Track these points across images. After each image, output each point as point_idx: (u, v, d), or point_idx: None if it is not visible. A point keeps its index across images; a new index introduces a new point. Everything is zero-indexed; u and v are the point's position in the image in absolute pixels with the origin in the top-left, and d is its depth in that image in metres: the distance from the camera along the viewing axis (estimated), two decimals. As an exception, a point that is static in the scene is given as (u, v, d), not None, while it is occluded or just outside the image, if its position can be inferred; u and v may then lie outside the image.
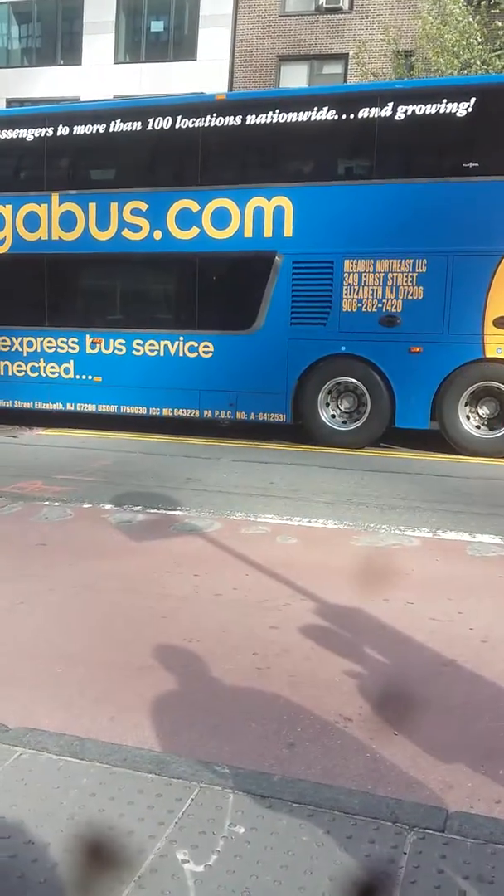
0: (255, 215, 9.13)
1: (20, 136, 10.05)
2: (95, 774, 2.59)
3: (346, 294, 8.95)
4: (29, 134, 9.99)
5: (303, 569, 4.86)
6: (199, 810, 2.41)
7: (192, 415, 9.81)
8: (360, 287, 8.89)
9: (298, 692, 3.31)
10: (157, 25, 24.10)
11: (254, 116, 9.08)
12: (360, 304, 8.92)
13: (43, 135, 9.92)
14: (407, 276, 8.71)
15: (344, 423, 9.37)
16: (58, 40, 25.49)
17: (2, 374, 10.45)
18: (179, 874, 2.15)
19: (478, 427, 8.93)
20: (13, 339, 10.34)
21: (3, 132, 10.16)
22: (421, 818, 2.37)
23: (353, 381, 9.20)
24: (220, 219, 9.23)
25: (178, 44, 23.77)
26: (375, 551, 5.35)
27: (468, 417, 8.91)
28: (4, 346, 10.39)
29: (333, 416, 9.40)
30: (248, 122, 9.11)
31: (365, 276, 8.85)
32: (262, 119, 9.04)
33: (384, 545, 5.47)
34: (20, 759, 2.68)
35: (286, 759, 2.82)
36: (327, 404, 9.38)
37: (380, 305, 8.86)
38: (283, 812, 2.40)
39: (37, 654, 3.68)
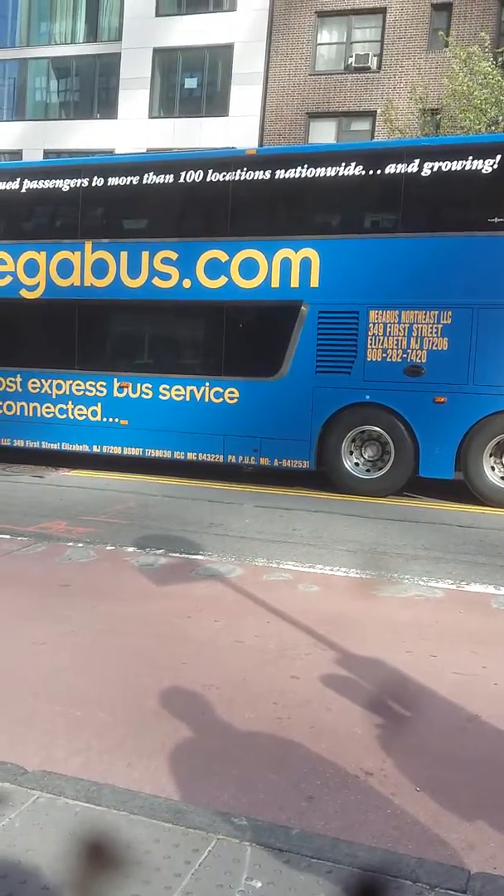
0: (283, 266, 9.29)
1: (56, 186, 10.37)
2: (112, 821, 2.57)
3: (370, 344, 9.03)
4: (65, 184, 10.30)
5: (325, 618, 4.83)
6: (216, 862, 2.38)
7: (216, 460, 9.86)
8: (385, 337, 8.96)
9: (319, 744, 3.27)
10: (190, 82, 24.95)
11: (283, 171, 9.30)
12: (384, 354, 8.99)
13: (78, 185, 10.22)
14: (432, 328, 8.78)
15: (367, 471, 9.37)
16: (94, 95, 26.45)
17: (31, 415, 10.62)
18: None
19: (503, 478, 8.88)
20: (43, 381, 10.53)
21: (41, 182, 10.49)
22: (442, 878, 2.32)
23: (377, 429, 9.22)
24: (248, 269, 9.41)
25: (210, 100, 24.55)
26: (398, 602, 5.30)
27: (493, 468, 8.86)
28: (34, 388, 10.57)
29: (357, 464, 9.40)
30: (277, 177, 9.33)
31: (390, 327, 8.94)
32: (291, 174, 9.25)
33: (407, 596, 5.42)
34: (37, 803, 2.67)
35: (305, 812, 2.78)
36: (351, 452, 9.39)
37: (404, 355, 8.92)
38: (301, 867, 2.36)
39: (57, 697, 3.67)
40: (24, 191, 10.54)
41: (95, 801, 2.68)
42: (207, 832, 2.52)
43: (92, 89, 26.50)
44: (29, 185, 10.52)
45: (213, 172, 9.56)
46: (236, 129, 22.88)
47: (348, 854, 2.43)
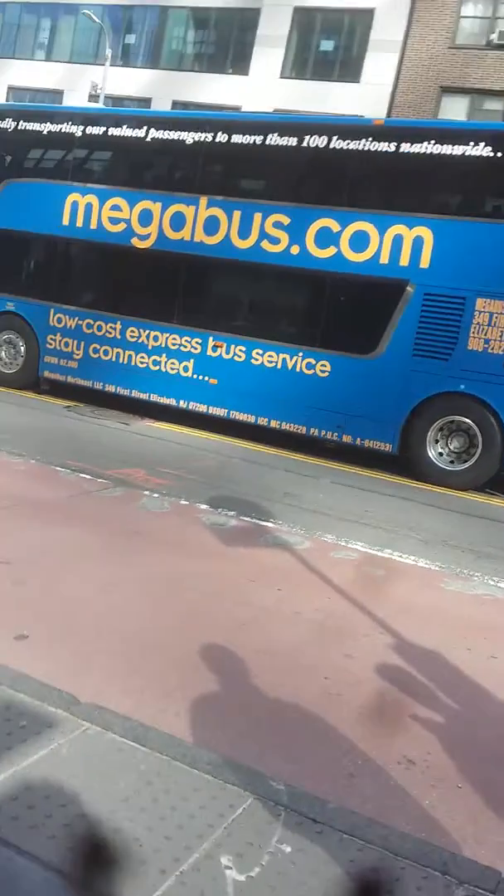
0: (394, 242, 9.07)
1: (180, 138, 10.38)
2: (155, 763, 2.65)
3: (473, 332, 8.76)
4: (189, 137, 10.31)
5: (387, 603, 4.79)
6: (250, 820, 2.42)
7: (299, 431, 9.83)
8: (490, 327, 8.68)
9: (365, 725, 3.27)
10: (326, 44, 24.46)
11: (409, 145, 9.03)
12: (486, 345, 8.71)
13: (202, 140, 10.22)
14: (541, 324, 8.45)
15: (451, 462, 9.16)
16: (229, 49, 26.24)
17: (125, 362, 10.79)
18: (220, 879, 2.17)
19: None
20: (141, 330, 10.67)
21: (166, 133, 10.52)
22: (473, 876, 2.29)
23: (467, 421, 8.98)
24: (359, 241, 9.23)
25: (344, 64, 24.02)
26: (465, 598, 5.21)
27: None
28: (132, 337, 10.73)
29: (441, 454, 9.21)
30: (401, 150, 9.07)
31: (496, 317, 8.64)
32: (416, 148, 8.97)
33: (475, 593, 5.32)
34: (86, 734, 2.77)
35: (343, 788, 2.79)
36: (436, 441, 9.20)
37: (507, 348, 8.63)
38: (332, 840, 2.38)
39: (116, 638, 3.78)
40: (148, 140, 10.59)
41: (141, 742, 2.76)
42: (244, 790, 2.56)
43: (227, 43, 26.29)
44: (154, 134, 10.56)
45: (337, 139, 9.37)
46: (366, 96, 22.32)
47: (381, 836, 2.43)
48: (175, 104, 25.12)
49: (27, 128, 11.35)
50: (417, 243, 8.97)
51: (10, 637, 3.56)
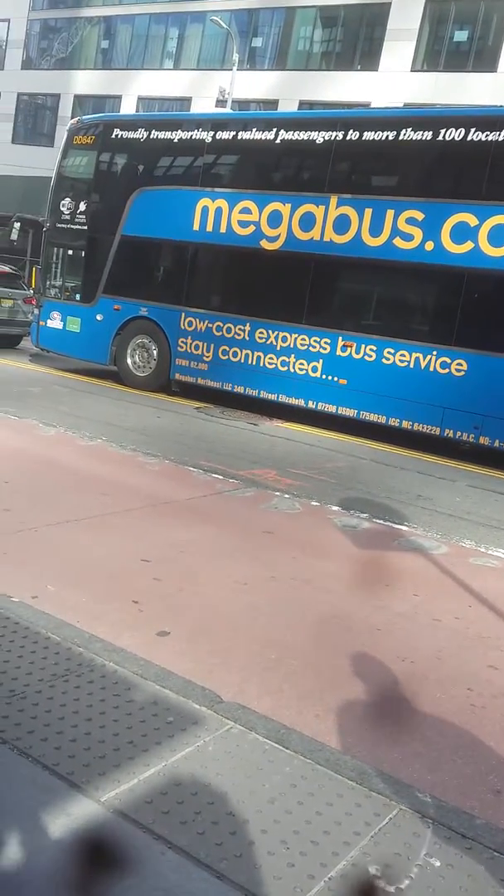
0: (537, 236, 8.69)
1: (310, 137, 10.37)
2: (299, 766, 2.64)
3: None
4: (319, 136, 10.28)
5: (531, 612, 4.59)
6: (397, 831, 2.37)
7: (432, 432, 9.60)
8: None
9: (512, 740, 3.14)
10: (460, 35, 23.81)
11: (553, 133, 8.64)
12: None
13: (332, 138, 10.16)
14: None
15: None
16: (358, 46, 26.03)
17: (254, 363, 10.91)
18: (369, 889, 2.13)
19: None
20: (270, 332, 10.75)
21: (295, 133, 10.54)
22: None
23: None
24: (499, 236, 8.89)
25: (479, 54, 23.31)
26: None
27: None
28: (261, 338, 10.83)
29: None
30: (545, 139, 8.68)
31: None
32: None
33: None
34: (230, 733, 2.80)
35: (491, 804, 2.69)
36: None
37: None
38: (483, 858, 2.30)
39: (253, 636, 3.81)
40: (277, 141, 10.66)
41: (284, 744, 2.76)
42: (390, 800, 2.51)
43: (356, 40, 26.07)
44: (283, 135, 10.61)
45: (475, 131, 9.07)
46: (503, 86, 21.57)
47: (534, 859, 2.32)
48: (302, 104, 25.18)
49: (157, 136, 11.67)
50: None
51: (153, 633, 3.66)
